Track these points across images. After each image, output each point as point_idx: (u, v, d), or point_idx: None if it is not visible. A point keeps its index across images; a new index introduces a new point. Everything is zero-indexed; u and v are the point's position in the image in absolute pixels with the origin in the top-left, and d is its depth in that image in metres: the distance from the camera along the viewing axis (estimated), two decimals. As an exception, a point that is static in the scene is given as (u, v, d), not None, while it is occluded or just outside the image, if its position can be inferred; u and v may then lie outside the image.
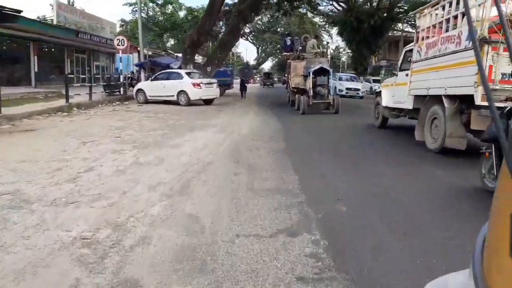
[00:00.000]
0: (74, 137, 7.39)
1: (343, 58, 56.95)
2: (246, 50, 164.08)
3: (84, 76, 21.36)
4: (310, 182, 4.59)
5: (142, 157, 5.76)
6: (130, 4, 35.11)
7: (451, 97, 6.16)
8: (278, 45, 43.28)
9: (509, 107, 3.73)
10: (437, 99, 6.59)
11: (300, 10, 30.79)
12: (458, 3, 6.07)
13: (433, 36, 6.96)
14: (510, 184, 0.45)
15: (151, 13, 36.43)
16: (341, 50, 55.52)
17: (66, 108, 12.11)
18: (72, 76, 20.33)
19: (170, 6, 34.60)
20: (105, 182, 4.37)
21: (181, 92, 15.12)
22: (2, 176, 4.46)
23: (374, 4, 27.33)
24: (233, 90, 24.50)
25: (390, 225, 3.25)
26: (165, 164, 5.34)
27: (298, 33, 28.42)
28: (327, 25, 39.63)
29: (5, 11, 13.57)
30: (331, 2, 31.00)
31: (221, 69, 24.15)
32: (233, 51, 49.32)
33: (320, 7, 31.61)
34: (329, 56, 17.09)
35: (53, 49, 22.08)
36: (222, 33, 25.77)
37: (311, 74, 13.25)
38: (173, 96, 15.32)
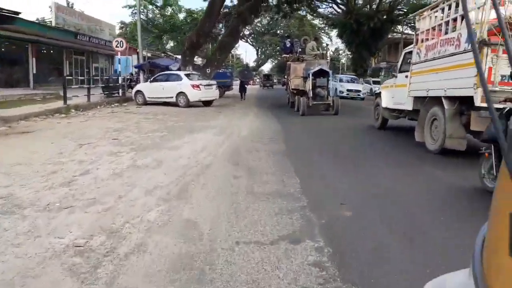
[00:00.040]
0: (71, 139, 7.26)
1: (343, 60, 56.95)
2: (245, 52, 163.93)
3: (83, 77, 21.26)
4: (312, 185, 4.47)
5: (140, 159, 5.63)
6: (130, 7, 35.06)
7: (451, 99, 6.19)
8: (278, 47, 43.27)
9: (508, 108, 3.75)
10: (436, 100, 6.60)
11: (300, 12, 30.75)
12: (457, 5, 6.13)
13: (432, 38, 7.00)
14: (509, 184, 0.45)
15: (150, 15, 36.36)
16: (340, 52, 55.57)
17: (64, 110, 11.98)
18: (71, 77, 20.23)
19: (169, 8, 34.53)
20: (101, 186, 4.24)
21: (180, 93, 15.01)
22: (-5, 180, 4.34)
23: (374, 6, 27.28)
24: (233, 92, 24.41)
25: (394, 228, 3.17)
26: (163, 167, 5.21)
27: (298, 35, 28.28)
28: (326, 27, 39.61)
29: (3, 13, 13.47)
30: (330, 5, 30.95)
31: (220, 71, 24.07)
32: (232, 53, 49.28)
33: (319, 10, 31.62)
34: (328, 58, 17.11)
35: (51, 51, 21.96)
36: (221, 35, 25.67)
37: (310, 75, 13.27)
38: (172, 97, 15.21)
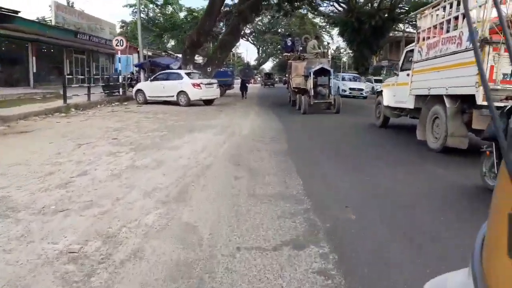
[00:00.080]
0: (70, 139, 7.16)
1: (344, 59, 56.74)
2: (246, 50, 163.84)
3: (83, 76, 21.18)
4: (315, 186, 4.35)
5: (139, 160, 5.52)
6: (130, 6, 34.92)
7: (453, 97, 6.19)
8: (279, 46, 43.12)
9: (509, 106, 3.73)
10: (438, 98, 6.59)
11: (301, 11, 30.59)
12: (459, 4, 6.11)
13: (434, 37, 6.99)
14: (508, 184, 0.44)
15: (151, 14, 36.21)
16: (342, 50, 55.35)
17: (64, 109, 11.88)
18: (71, 76, 20.15)
19: (170, 7, 34.37)
20: (98, 187, 4.13)
21: (181, 92, 14.90)
22: (-10, 181, 4.23)
23: (375, 4, 27.12)
24: (234, 91, 24.28)
25: (395, 228, 3.10)
26: (163, 167, 5.10)
27: (299, 34, 28.16)
28: (328, 26, 39.45)
29: (2, 12, 13.37)
30: (332, 3, 30.80)
31: (221, 70, 23.95)
32: (233, 51, 49.15)
33: (320, 8, 31.48)
34: (329, 57, 17.01)
35: (52, 50, 21.86)
36: (222, 34, 25.52)
37: (311, 74, 13.22)
38: (172, 96, 15.09)
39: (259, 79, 56.84)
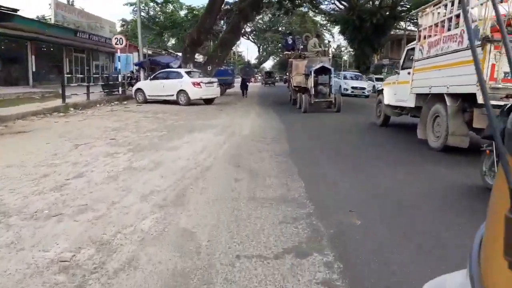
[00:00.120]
0: (67, 139, 7.04)
1: (345, 57, 56.55)
2: (247, 49, 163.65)
3: (83, 75, 21.03)
4: (317, 188, 4.22)
5: (137, 161, 5.39)
6: (131, 4, 34.75)
7: (454, 96, 6.14)
8: (280, 44, 42.97)
9: (509, 105, 3.68)
10: (439, 97, 6.55)
11: (302, 9, 30.42)
12: (460, 2, 6.05)
13: (435, 35, 6.93)
14: (505, 185, 0.43)
15: (152, 13, 36.05)
16: (342, 49, 55.16)
17: (63, 109, 11.76)
18: (70, 75, 20.01)
19: (170, 5, 34.21)
20: (94, 190, 4.00)
21: (181, 91, 14.76)
22: (-18, 184, 4.11)
23: (377, 2, 26.94)
24: (234, 90, 24.13)
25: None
26: (161, 169, 4.97)
27: (300, 32, 28.03)
28: (328, 24, 39.24)
29: (1, 10, 13.23)
30: (333, 1, 30.65)
31: (222, 68, 23.78)
32: (234, 50, 48.99)
33: (321, 6, 31.24)
34: (330, 55, 16.89)
35: (51, 49, 21.75)
36: (222, 32, 25.35)
37: (312, 73, 13.11)
38: (172, 95, 14.96)
39: (259, 77, 56.64)
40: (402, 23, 31.18)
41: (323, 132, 8.86)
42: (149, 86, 15.58)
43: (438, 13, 7.00)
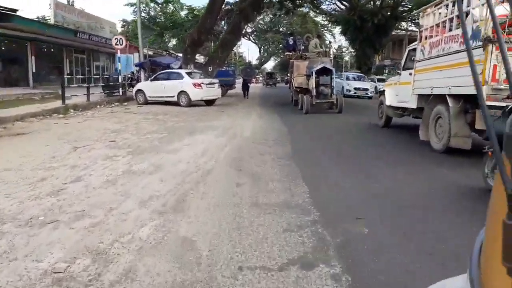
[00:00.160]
0: (66, 141, 6.93)
1: (346, 58, 56.41)
2: (248, 50, 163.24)
3: (83, 76, 20.94)
4: (322, 193, 4.11)
5: (136, 164, 5.28)
6: (131, 5, 34.66)
7: (456, 97, 6.09)
8: (281, 45, 42.87)
9: (511, 106, 3.67)
10: (441, 98, 6.49)
11: (303, 9, 30.31)
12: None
13: (436, 35, 6.88)
14: (502, 190, 0.43)
15: (152, 13, 35.96)
16: (344, 49, 55.04)
17: (62, 110, 11.65)
18: (70, 76, 19.92)
19: (171, 6, 34.13)
20: (92, 195, 3.89)
21: (182, 92, 14.64)
22: (-23, 189, 4.00)
23: (378, 2, 26.82)
24: (236, 90, 24.02)
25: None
26: (160, 172, 4.85)
27: (301, 33, 27.88)
28: (329, 25, 39.11)
29: (0, 10, 13.13)
30: (334, 1, 30.54)
31: (223, 69, 23.67)
32: (235, 50, 48.94)
33: (322, 6, 31.13)
34: (331, 56, 16.81)
35: (51, 49, 21.66)
36: (223, 33, 25.25)
37: (313, 73, 13.02)
38: (173, 96, 14.84)
39: (261, 78, 56.54)
40: (403, 24, 31.05)
41: (325, 134, 8.76)
42: (150, 87, 15.47)
43: (439, 13, 6.93)
